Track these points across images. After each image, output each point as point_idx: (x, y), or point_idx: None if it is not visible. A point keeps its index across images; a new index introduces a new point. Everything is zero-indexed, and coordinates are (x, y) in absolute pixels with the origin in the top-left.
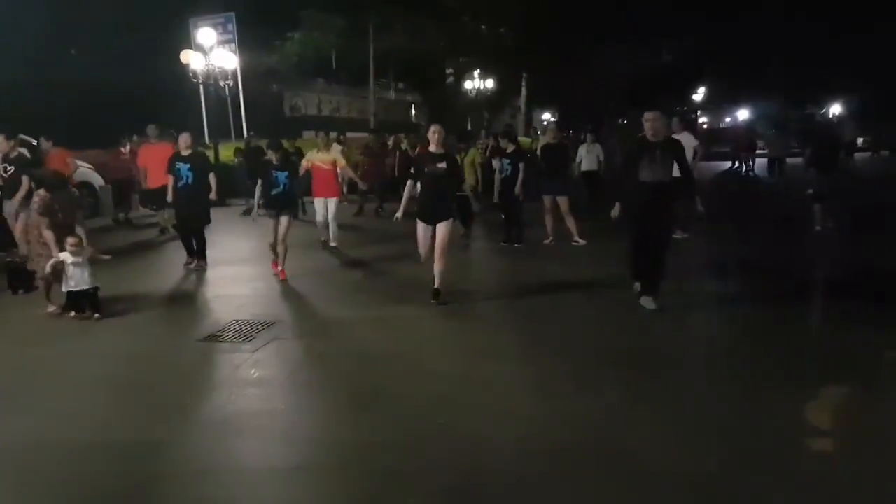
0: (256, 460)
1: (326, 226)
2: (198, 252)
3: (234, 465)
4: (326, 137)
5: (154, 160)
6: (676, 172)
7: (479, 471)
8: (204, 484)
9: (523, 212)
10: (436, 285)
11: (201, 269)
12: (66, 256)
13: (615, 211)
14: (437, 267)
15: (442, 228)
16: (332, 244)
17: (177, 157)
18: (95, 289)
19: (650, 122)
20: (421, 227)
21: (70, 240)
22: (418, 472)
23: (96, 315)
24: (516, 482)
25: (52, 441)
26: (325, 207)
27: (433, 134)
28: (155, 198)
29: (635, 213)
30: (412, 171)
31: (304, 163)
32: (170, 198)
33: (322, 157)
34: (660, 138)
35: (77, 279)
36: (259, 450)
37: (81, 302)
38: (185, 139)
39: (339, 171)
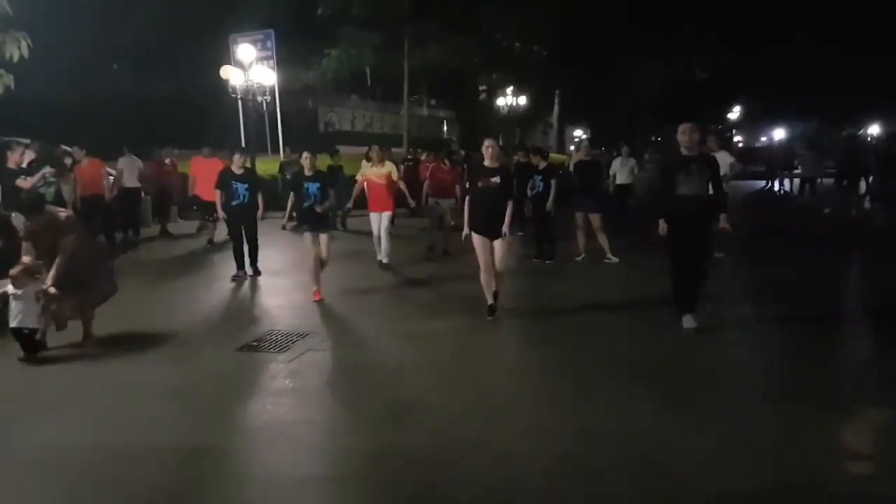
0: (290, 468)
1: (380, 240)
2: (251, 260)
3: (268, 473)
4: (381, 152)
5: (206, 172)
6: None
7: (511, 484)
8: (239, 490)
9: (555, 228)
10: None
11: (256, 277)
12: (8, 288)
13: (662, 227)
14: (493, 282)
15: (499, 244)
16: (384, 260)
17: (230, 174)
18: (33, 330)
19: (685, 134)
20: (478, 240)
21: (13, 270)
22: (450, 484)
23: (20, 356)
24: (547, 497)
25: (93, 444)
26: (379, 222)
27: (487, 149)
28: (206, 209)
29: (674, 231)
30: (466, 186)
31: (359, 177)
32: (219, 214)
33: (376, 172)
34: (694, 152)
35: (16, 315)
36: (293, 458)
37: (24, 340)
38: (239, 159)
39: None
